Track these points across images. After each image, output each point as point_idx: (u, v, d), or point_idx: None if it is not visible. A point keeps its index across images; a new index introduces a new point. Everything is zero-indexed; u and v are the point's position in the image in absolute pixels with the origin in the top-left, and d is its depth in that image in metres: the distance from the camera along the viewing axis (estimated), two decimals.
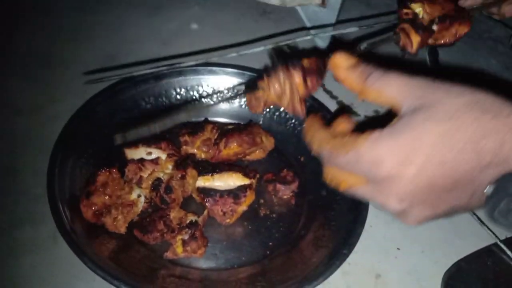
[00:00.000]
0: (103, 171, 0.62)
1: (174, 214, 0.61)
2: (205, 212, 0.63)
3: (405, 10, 0.53)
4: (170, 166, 0.64)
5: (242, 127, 0.71)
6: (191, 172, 0.63)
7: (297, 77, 0.43)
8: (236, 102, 0.78)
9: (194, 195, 0.65)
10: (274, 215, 0.67)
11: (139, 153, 0.66)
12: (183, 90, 0.76)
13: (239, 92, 0.47)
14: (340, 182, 0.39)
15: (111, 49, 0.90)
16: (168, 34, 0.96)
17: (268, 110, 0.77)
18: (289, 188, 0.68)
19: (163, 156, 0.65)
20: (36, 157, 0.67)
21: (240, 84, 0.72)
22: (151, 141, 0.66)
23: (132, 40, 0.93)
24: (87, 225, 0.59)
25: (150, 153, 0.65)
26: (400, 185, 0.34)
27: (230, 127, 0.71)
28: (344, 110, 0.84)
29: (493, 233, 0.64)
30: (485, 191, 0.34)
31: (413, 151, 0.33)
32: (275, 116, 0.77)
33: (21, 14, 0.94)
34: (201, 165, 0.65)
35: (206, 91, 0.77)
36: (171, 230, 0.59)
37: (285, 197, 0.69)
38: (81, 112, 0.67)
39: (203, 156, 0.69)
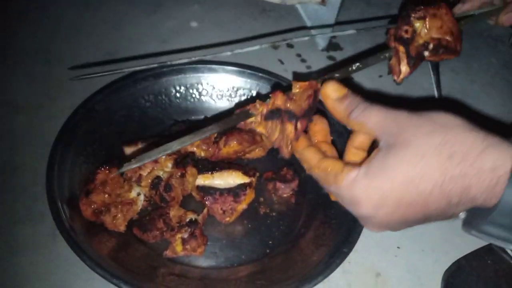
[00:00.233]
0: (102, 169, 0.62)
1: (174, 213, 0.61)
2: (205, 211, 0.63)
3: (405, 27, 0.52)
4: (169, 165, 0.64)
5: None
6: (191, 170, 0.62)
7: (290, 126, 0.43)
8: (235, 101, 0.77)
9: (194, 194, 0.64)
10: (274, 214, 0.67)
11: (139, 151, 0.65)
12: (182, 88, 0.76)
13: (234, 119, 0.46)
14: (331, 195, 0.44)
15: (110, 46, 0.89)
16: (167, 32, 0.95)
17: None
18: (289, 186, 0.68)
19: None
20: (35, 155, 0.67)
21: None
22: (150, 139, 0.66)
23: (132, 38, 0.92)
24: (86, 223, 0.58)
25: None
26: (375, 221, 0.39)
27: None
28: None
29: None
30: (460, 214, 0.38)
31: (386, 194, 0.36)
32: None
33: (19, 11, 0.94)
34: (200, 163, 0.65)
35: (205, 89, 0.77)
36: (170, 228, 0.59)
37: (285, 195, 0.69)
38: (80, 110, 0.67)
39: (202, 154, 0.69)
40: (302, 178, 0.69)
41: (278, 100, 0.45)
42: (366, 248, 0.63)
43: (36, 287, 0.56)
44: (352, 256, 0.57)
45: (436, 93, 0.81)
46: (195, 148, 0.69)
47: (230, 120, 0.44)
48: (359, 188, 0.38)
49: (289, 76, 0.80)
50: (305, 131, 0.47)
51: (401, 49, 0.52)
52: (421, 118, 0.38)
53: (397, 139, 0.37)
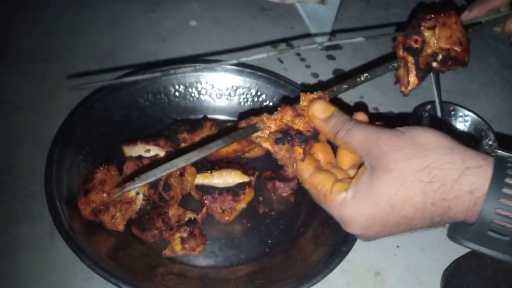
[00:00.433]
0: (101, 168, 0.61)
1: (173, 212, 0.61)
2: (204, 210, 0.63)
3: (415, 37, 0.51)
4: None
5: None
6: (190, 169, 0.62)
7: (299, 149, 0.44)
8: (235, 99, 0.77)
9: (193, 193, 0.64)
10: (273, 213, 0.67)
11: (138, 150, 0.65)
12: (181, 87, 0.76)
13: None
14: None
15: (109, 45, 0.89)
16: (166, 30, 0.95)
17: (267, 107, 0.77)
18: (289, 185, 0.68)
19: (162, 153, 0.65)
20: (34, 154, 0.67)
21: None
22: (149, 138, 0.66)
23: (130, 37, 0.92)
24: (85, 222, 0.58)
25: (148, 150, 0.65)
26: (364, 237, 0.42)
27: (229, 124, 0.71)
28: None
29: None
30: (445, 225, 0.40)
31: (372, 217, 0.38)
32: None
33: (17, 10, 0.93)
34: (199, 162, 0.65)
35: (205, 88, 0.76)
36: (169, 227, 0.59)
37: (284, 194, 0.69)
38: (79, 109, 0.67)
39: None
40: None
41: (287, 116, 0.44)
42: (365, 248, 0.63)
43: (34, 287, 0.56)
44: (351, 255, 0.57)
45: (435, 93, 0.81)
46: None
47: (236, 135, 0.43)
48: (347, 211, 0.40)
49: (288, 75, 0.80)
50: None
51: (410, 59, 0.52)
52: (401, 139, 0.39)
53: (379, 162, 0.38)
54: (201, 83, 0.76)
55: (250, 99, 0.77)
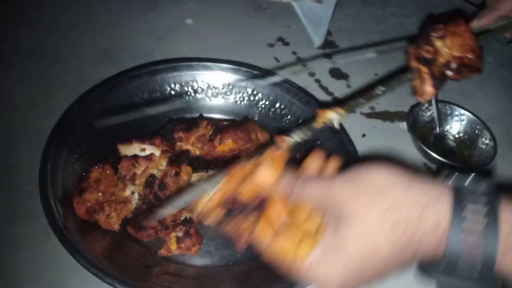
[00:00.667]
0: (96, 167, 0.61)
1: None
2: None
3: (426, 47, 0.51)
4: (164, 163, 0.64)
5: (237, 123, 0.70)
6: (186, 168, 0.62)
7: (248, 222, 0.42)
8: (231, 98, 0.77)
9: None
10: None
11: (133, 149, 0.65)
12: (177, 85, 0.75)
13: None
14: None
15: (106, 44, 0.89)
16: (163, 29, 0.95)
17: (263, 106, 0.77)
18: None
19: (157, 152, 0.65)
20: (30, 153, 0.67)
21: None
22: (145, 137, 0.66)
23: (128, 35, 0.92)
24: (80, 222, 0.58)
25: (144, 150, 0.65)
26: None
27: (225, 123, 0.71)
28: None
29: None
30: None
31: (347, 272, 0.37)
32: (270, 112, 0.77)
33: (15, 8, 0.93)
34: (195, 161, 0.65)
35: (200, 87, 0.76)
36: (165, 227, 0.59)
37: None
38: (74, 108, 0.67)
39: (197, 152, 0.69)
40: None
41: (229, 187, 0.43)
42: None
43: (30, 286, 0.56)
44: None
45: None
46: (190, 146, 0.69)
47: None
48: (320, 272, 0.38)
49: (285, 74, 0.80)
50: None
51: (424, 69, 0.52)
52: (356, 186, 0.38)
53: (340, 213, 0.38)
54: (197, 81, 0.76)
55: (246, 98, 0.77)
